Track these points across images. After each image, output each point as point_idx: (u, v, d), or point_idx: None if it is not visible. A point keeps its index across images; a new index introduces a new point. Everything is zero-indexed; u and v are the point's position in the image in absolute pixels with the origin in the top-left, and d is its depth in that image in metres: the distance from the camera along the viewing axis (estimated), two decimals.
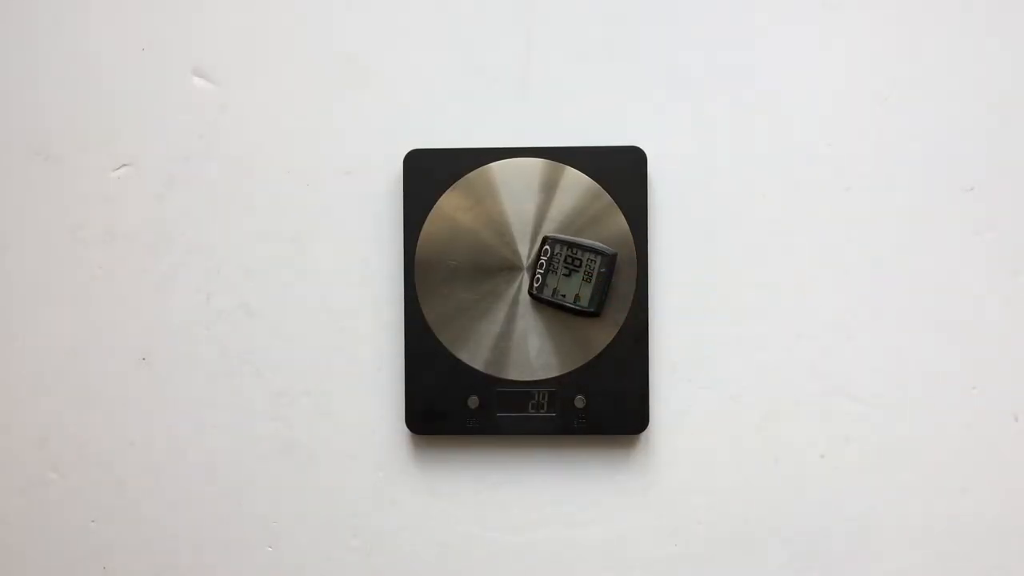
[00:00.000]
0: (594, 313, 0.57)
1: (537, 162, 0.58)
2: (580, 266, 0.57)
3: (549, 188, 0.58)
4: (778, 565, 0.59)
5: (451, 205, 0.58)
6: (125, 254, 0.61)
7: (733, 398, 0.59)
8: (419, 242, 0.58)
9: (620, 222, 0.57)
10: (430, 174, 0.58)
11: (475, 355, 0.58)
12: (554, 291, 0.57)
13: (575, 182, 0.58)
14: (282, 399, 0.60)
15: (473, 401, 0.58)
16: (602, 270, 0.57)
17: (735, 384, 0.59)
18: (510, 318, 0.58)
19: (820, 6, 0.59)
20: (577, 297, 0.57)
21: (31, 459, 0.61)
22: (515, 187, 0.58)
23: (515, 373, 0.58)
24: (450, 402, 0.58)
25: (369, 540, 0.60)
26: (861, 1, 0.59)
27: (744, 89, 0.59)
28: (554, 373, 0.58)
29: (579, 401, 0.57)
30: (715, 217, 0.59)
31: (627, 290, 0.57)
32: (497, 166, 0.58)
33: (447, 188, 0.58)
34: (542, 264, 0.57)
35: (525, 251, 0.58)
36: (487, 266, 0.58)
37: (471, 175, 0.58)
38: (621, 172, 0.57)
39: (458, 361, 0.58)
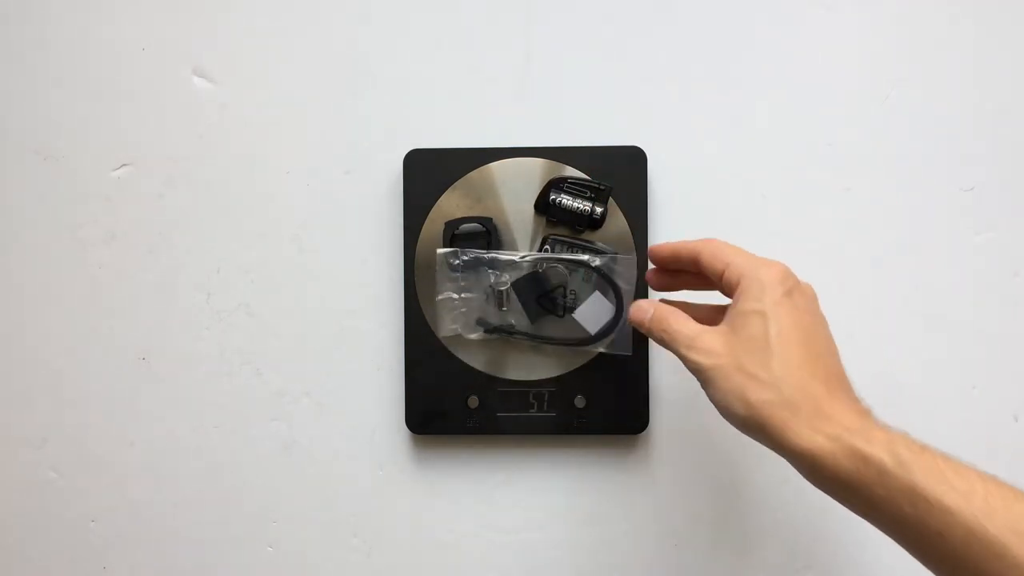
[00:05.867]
0: None
1: (537, 162, 0.58)
2: (580, 266, 0.56)
3: None
4: (778, 565, 0.59)
5: (451, 205, 0.58)
6: (125, 254, 0.61)
7: None
8: (419, 242, 0.58)
9: (620, 222, 0.57)
10: (430, 174, 0.58)
11: (475, 355, 0.58)
12: None
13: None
14: (282, 399, 0.60)
15: (473, 401, 0.58)
16: (602, 270, 0.56)
17: None
18: None
19: (820, 6, 0.59)
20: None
21: (31, 459, 0.61)
22: (515, 187, 0.58)
23: (515, 373, 0.58)
24: (450, 402, 0.58)
25: (369, 540, 0.60)
26: (861, 1, 0.59)
27: (744, 89, 0.59)
28: (554, 373, 0.58)
29: (579, 401, 0.57)
30: (715, 217, 0.59)
31: (627, 290, 0.57)
32: (497, 166, 0.58)
33: (447, 188, 0.58)
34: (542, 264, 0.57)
35: (525, 251, 0.58)
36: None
37: (471, 175, 0.58)
38: (621, 172, 0.57)
39: (458, 361, 0.58)
